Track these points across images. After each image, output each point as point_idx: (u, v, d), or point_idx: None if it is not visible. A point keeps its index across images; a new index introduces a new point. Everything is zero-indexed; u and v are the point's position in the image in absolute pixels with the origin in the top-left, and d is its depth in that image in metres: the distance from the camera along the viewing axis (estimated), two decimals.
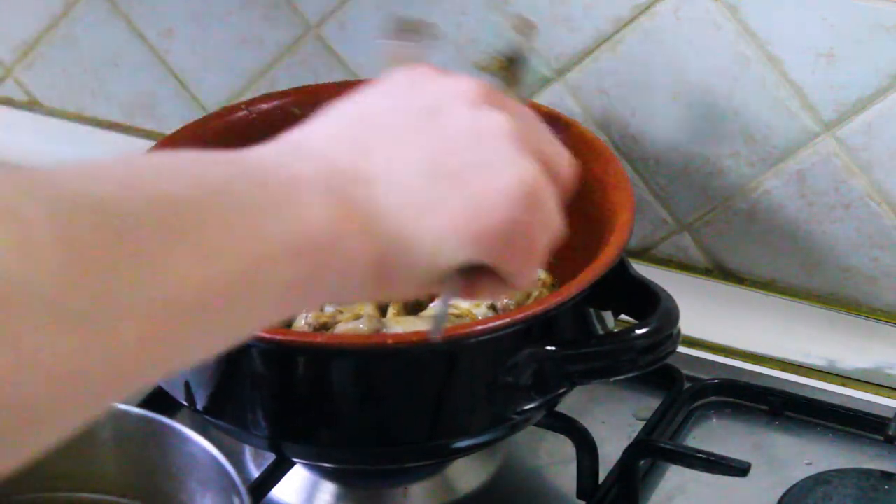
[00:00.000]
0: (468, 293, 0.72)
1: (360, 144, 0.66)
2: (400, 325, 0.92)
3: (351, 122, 0.68)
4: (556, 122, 1.05)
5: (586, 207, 1.01)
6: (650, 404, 1.09)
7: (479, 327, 0.89)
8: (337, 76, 1.27)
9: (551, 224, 0.70)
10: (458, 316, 0.94)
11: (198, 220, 0.56)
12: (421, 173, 0.66)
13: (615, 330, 0.95)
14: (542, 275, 0.99)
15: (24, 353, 0.49)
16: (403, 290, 0.67)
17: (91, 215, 0.52)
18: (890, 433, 1.05)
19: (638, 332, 0.89)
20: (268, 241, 0.58)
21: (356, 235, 0.63)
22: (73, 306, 0.50)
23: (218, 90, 1.33)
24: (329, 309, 0.95)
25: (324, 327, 0.93)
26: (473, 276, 0.70)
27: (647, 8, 1.15)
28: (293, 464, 1.00)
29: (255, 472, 1.01)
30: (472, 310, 0.94)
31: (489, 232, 0.67)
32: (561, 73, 1.20)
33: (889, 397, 1.12)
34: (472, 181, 0.67)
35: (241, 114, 1.08)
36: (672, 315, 0.90)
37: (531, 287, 0.85)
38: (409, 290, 0.67)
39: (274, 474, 0.99)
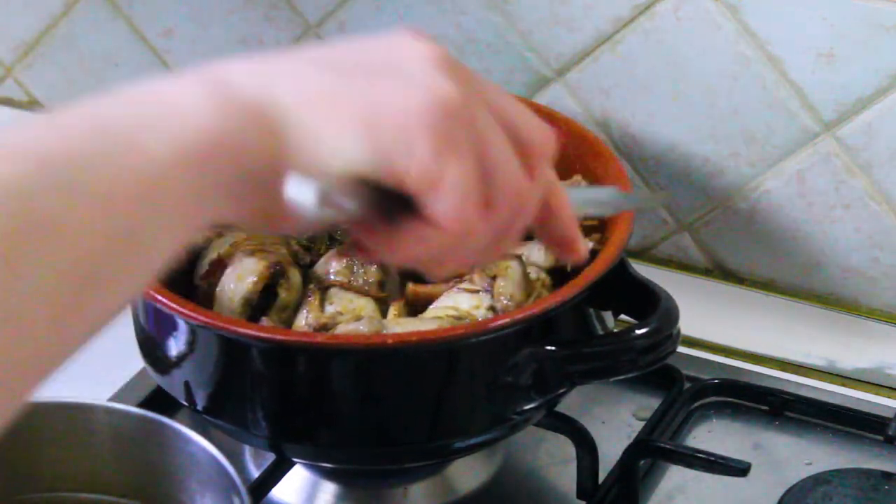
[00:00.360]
0: (386, 238, 0.66)
1: (263, 62, 0.63)
2: (400, 326, 0.92)
3: (267, 57, 0.64)
4: (553, 121, 1.06)
5: None
6: (650, 404, 1.09)
7: (480, 327, 0.89)
8: None
9: (487, 157, 0.66)
10: (458, 317, 0.94)
11: (91, 169, 0.54)
12: (319, 71, 0.63)
13: (615, 330, 0.95)
14: (542, 274, 0.99)
15: None
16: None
17: (5, 201, 0.51)
18: (890, 433, 1.05)
19: (638, 332, 0.89)
20: (156, 161, 0.56)
21: (248, 129, 0.60)
22: None
23: None
24: (330, 309, 0.95)
25: (324, 328, 0.93)
26: (392, 216, 0.65)
27: (647, 8, 1.15)
28: (293, 464, 1.00)
29: (255, 472, 1.01)
30: (472, 311, 0.94)
31: (382, 131, 0.62)
32: (561, 73, 1.20)
33: (889, 397, 1.12)
34: (378, 86, 0.63)
35: None
36: (672, 315, 0.90)
37: (457, 241, 0.67)
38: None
39: (274, 474, 0.99)
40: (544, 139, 0.70)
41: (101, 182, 0.54)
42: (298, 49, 0.65)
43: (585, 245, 0.77)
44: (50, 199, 0.52)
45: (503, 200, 0.67)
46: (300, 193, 0.60)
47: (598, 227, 0.98)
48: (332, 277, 0.98)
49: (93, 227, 0.53)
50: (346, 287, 0.97)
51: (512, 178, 0.67)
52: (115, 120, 0.57)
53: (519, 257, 0.98)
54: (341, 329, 0.92)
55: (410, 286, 0.98)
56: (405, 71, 0.64)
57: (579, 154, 1.03)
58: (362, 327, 0.90)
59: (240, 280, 0.95)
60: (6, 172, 0.52)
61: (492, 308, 0.95)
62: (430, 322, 0.93)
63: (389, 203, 0.65)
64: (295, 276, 0.97)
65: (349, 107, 0.62)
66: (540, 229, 0.74)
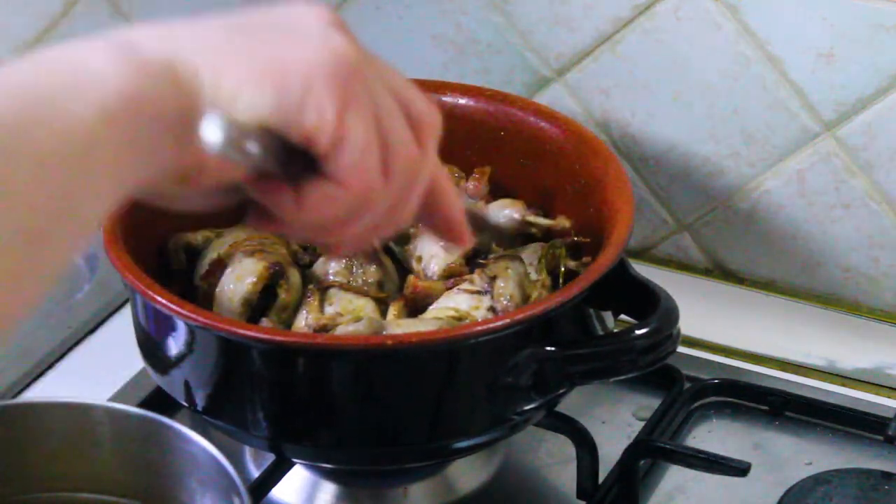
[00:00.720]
0: (290, 199, 0.68)
1: (166, 27, 0.67)
2: (400, 327, 0.92)
3: (169, 23, 0.68)
4: (553, 121, 1.06)
5: (586, 207, 1.01)
6: (650, 404, 1.09)
7: (480, 328, 0.89)
8: None
9: (384, 123, 0.68)
10: (458, 318, 0.94)
11: (22, 133, 0.56)
12: (221, 30, 0.66)
13: (615, 330, 0.95)
14: (542, 275, 0.99)
15: None
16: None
17: None
18: (890, 433, 1.05)
19: (638, 332, 0.89)
20: (82, 122, 0.58)
21: (153, 82, 0.62)
22: None
23: None
24: (329, 310, 0.95)
25: (324, 329, 0.93)
26: (295, 177, 0.68)
27: (647, 8, 1.15)
28: (293, 464, 1.00)
29: (255, 472, 1.01)
30: (472, 312, 0.94)
31: (289, 82, 0.65)
32: (561, 73, 1.20)
33: (889, 397, 1.12)
34: (279, 42, 0.67)
35: None
36: (672, 315, 0.90)
37: (362, 202, 0.70)
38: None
39: (274, 474, 0.99)
40: (433, 117, 0.73)
41: (34, 146, 0.56)
42: (199, 17, 0.68)
43: (470, 232, 0.80)
44: None
45: (398, 166, 0.70)
46: (209, 132, 0.63)
47: (586, 248, 0.99)
48: (332, 278, 0.98)
49: (33, 188, 0.56)
50: (346, 287, 0.97)
51: (405, 146, 0.70)
52: (36, 86, 0.59)
53: (519, 258, 0.98)
54: (341, 330, 0.92)
55: (411, 278, 0.98)
56: (303, 30, 0.68)
57: (579, 154, 1.03)
58: (362, 328, 0.90)
59: (239, 281, 0.96)
60: None
61: (492, 309, 0.95)
62: (430, 323, 0.93)
63: (292, 163, 0.67)
64: (294, 276, 0.97)
65: (253, 60, 0.66)
66: (427, 212, 0.76)
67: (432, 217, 0.77)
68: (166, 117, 0.62)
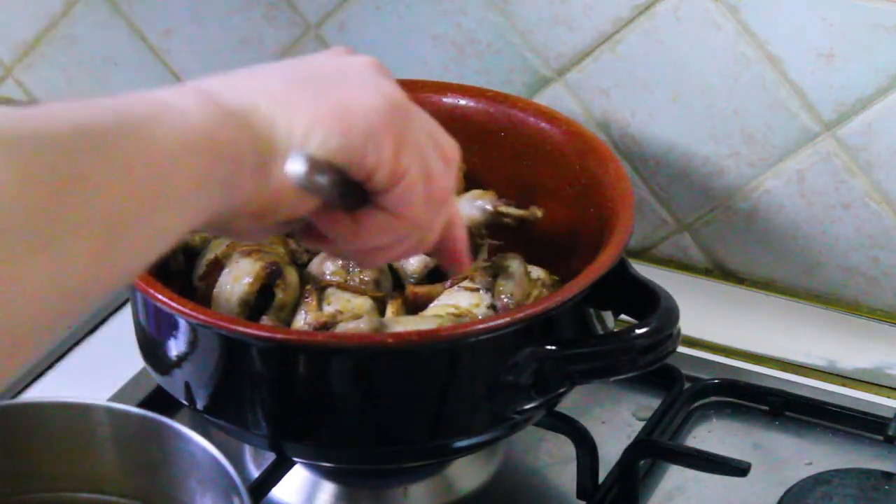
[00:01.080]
0: (348, 227, 0.77)
1: (233, 79, 0.74)
2: (400, 325, 0.92)
3: (234, 75, 0.75)
4: (553, 121, 1.06)
5: (586, 207, 1.01)
6: (650, 404, 1.09)
7: (480, 326, 0.89)
8: None
9: (426, 159, 0.77)
10: (458, 316, 0.94)
11: (115, 139, 0.63)
12: (287, 81, 0.74)
13: (615, 330, 0.95)
14: (542, 274, 0.99)
15: (3, 281, 0.56)
16: (288, 185, 0.72)
17: (41, 150, 0.59)
18: (890, 433, 1.05)
19: (638, 331, 0.89)
20: (165, 144, 0.65)
21: (233, 127, 0.69)
22: (35, 234, 0.57)
23: None
24: (328, 309, 0.95)
25: (324, 327, 0.93)
26: (351, 207, 0.76)
27: (647, 8, 1.15)
28: (293, 464, 1.00)
29: (255, 472, 1.01)
30: (472, 309, 0.94)
31: (353, 125, 0.73)
32: (561, 73, 1.20)
33: (889, 397, 1.12)
34: (338, 89, 0.75)
35: None
36: (672, 315, 0.90)
37: (415, 228, 0.79)
38: (291, 186, 0.72)
39: (274, 474, 0.99)
40: (455, 150, 0.81)
41: (123, 152, 0.63)
42: (254, 69, 0.76)
43: (470, 258, 0.88)
44: (83, 158, 0.61)
45: (435, 193, 0.78)
46: (294, 166, 0.71)
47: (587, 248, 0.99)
48: (328, 277, 0.98)
49: (118, 187, 0.62)
50: (343, 287, 0.97)
51: (442, 177, 0.79)
52: (128, 109, 0.65)
53: (520, 256, 0.98)
54: (342, 328, 0.92)
55: (410, 287, 0.98)
56: (356, 79, 0.77)
57: (579, 154, 1.03)
58: (363, 325, 0.91)
59: (236, 281, 0.96)
60: (45, 131, 0.60)
61: (492, 307, 0.95)
62: (430, 320, 0.93)
63: (350, 195, 0.75)
64: (292, 275, 0.97)
65: (319, 106, 0.73)
66: (439, 239, 0.83)
67: (441, 244, 0.84)
68: (243, 157, 0.70)
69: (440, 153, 0.79)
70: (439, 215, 0.80)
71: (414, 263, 1.01)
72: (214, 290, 0.97)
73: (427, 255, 0.90)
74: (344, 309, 0.95)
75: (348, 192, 0.75)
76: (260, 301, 0.96)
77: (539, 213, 1.03)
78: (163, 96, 0.68)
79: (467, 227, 0.96)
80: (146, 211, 0.63)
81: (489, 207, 1.02)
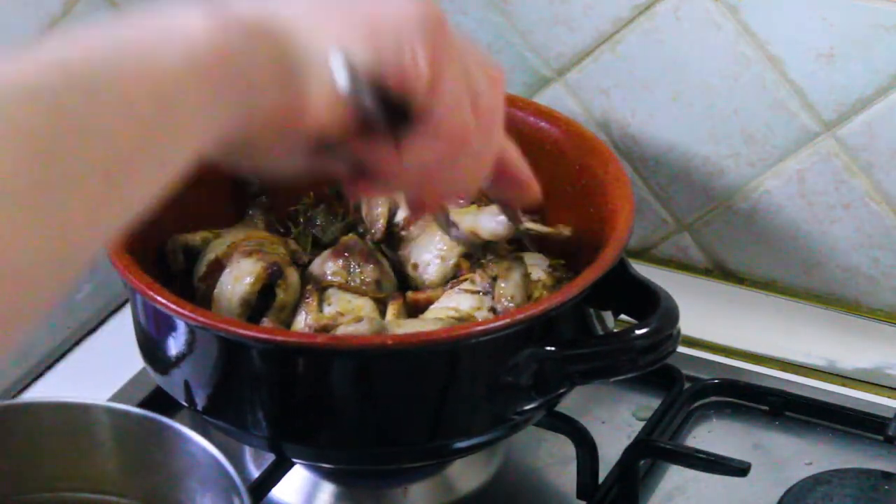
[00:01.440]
0: (388, 152, 0.71)
1: None
2: (401, 327, 0.92)
3: None
4: (553, 121, 1.06)
5: (586, 207, 1.01)
6: (650, 404, 1.09)
7: (480, 327, 0.89)
8: None
9: (469, 74, 0.72)
10: (458, 318, 0.94)
11: (110, 80, 0.59)
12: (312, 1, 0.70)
13: (615, 330, 0.95)
14: (543, 276, 0.99)
15: (4, 239, 0.54)
16: (316, 97, 0.68)
17: (33, 104, 0.56)
18: (890, 433, 1.05)
19: (638, 332, 0.89)
20: (168, 74, 0.61)
21: (247, 37, 0.65)
22: (33, 193, 0.55)
23: None
24: (329, 310, 0.95)
25: (325, 329, 0.93)
26: (392, 129, 0.71)
27: (647, 8, 1.15)
28: (293, 464, 1.00)
29: (255, 472, 1.01)
30: (473, 312, 0.94)
31: (384, 34, 0.69)
32: (561, 73, 1.20)
33: (889, 397, 1.12)
34: (366, 3, 0.70)
35: None
36: (672, 315, 0.90)
37: (451, 138, 0.74)
38: (320, 98, 0.68)
39: (274, 474, 0.99)
40: (501, 71, 0.76)
41: (121, 88, 0.59)
42: None
43: (537, 184, 0.83)
44: (76, 101, 0.57)
45: (484, 111, 0.74)
46: (336, 68, 0.67)
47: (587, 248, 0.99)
48: (329, 278, 0.98)
49: (116, 128, 0.59)
50: (344, 287, 0.97)
51: (488, 94, 0.74)
52: (128, 38, 0.62)
53: (521, 258, 0.98)
54: (342, 330, 0.92)
55: (410, 294, 0.98)
56: None
57: (579, 154, 1.03)
58: (363, 328, 0.90)
59: (237, 281, 0.96)
60: (34, 78, 0.57)
61: (492, 310, 0.95)
62: (431, 323, 0.93)
63: (389, 117, 0.70)
64: (292, 276, 0.97)
65: (345, 17, 0.69)
66: (496, 171, 0.79)
67: (500, 174, 0.80)
68: (261, 66, 0.65)
69: (484, 71, 0.75)
70: (491, 137, 0.75)
71: (432, 274, 1.00)
72: (215, 291, 0.97)
73: (488, 194, 0.84)
74: (344, 310, 0.95)
75: (389, 109, 0.70)
76: (261, 301, 0.96)
77: (567, 231, 0.99)
78: (165, 16, 0.64)
79: (480, 243, 0.94)
80: (148, 147, 0.60)
81: (514, 223, 0.98)
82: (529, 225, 1.00)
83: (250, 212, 1.05)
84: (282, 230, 1.05)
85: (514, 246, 1.00)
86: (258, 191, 1.06)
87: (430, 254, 0.99)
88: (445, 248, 0.99)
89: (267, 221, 1.05)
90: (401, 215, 1.02)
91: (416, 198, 0.81)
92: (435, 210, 0.88)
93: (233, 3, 0.66)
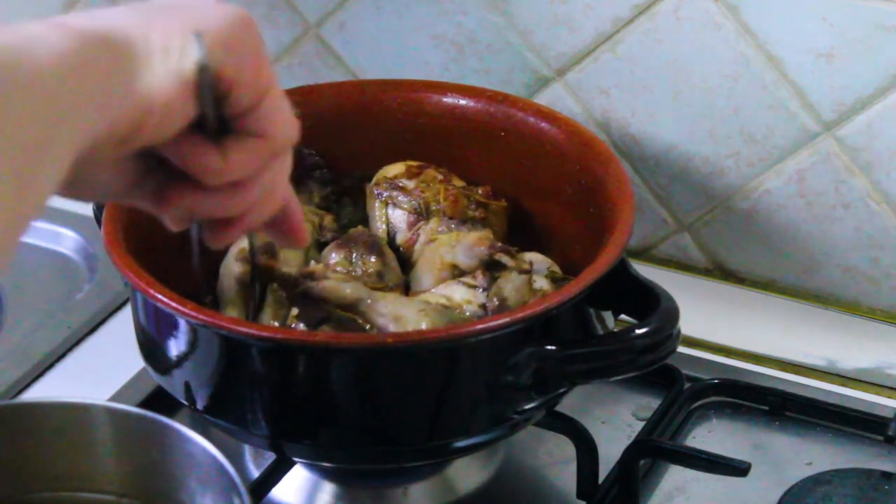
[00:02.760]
0: (213, 153, 0.72)
1: (89, 12, 0.72)
2: (384, 302, 0.92)
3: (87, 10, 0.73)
4: (553, 121, 1.06)
5: (586, 207, 1.01)
6: (650, 404, 1.09)
7: (480, 326, 0.89)
8: (337, 76, 1.27)
9: (266, 69, 0.74)
10: (447, 307, 0.94)
11: (8, 69, 0.62)
12: (138, 10, 0.72)
13: (615, 330, 0.95)
14: (546, 285, 0.99)
15: None
16: (158, 90, 0.69)
17: None
18: (890, 433, 1.05)
19: (638, 332, 0.89)
20: (46, 71, 0.64)
21: (93, 47, 0.67)
22: None
23: None
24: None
25: (310, 276, 0.93)
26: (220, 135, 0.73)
27: (647, 8, 1.15)
28: (293, 464, 1.00)
29: (255, 472, 1.01)
30: (463, 304, 0.95)
31: (212, 29, 0.71)
32: (561, 73, 1.20)
33: (889, 397, 1.12)
34: (190, 10, 0.72)
35: None
36: (672, 315, 0.90)
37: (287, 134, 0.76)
38: (164, 90, 0.69)
39: (274, 474, 0.99)
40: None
41: (20, 78, 0.62)
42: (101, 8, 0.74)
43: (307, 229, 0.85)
44: None
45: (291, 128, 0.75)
46: (193, 50, 0.69)
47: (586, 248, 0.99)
48: (333, 264, 0.99)
49: (25, 114, 0.62)
50: (347, 279, 0.97)
51: (289, 111, 0.75)
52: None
53: (528, 269, 0.98)
54: (328, 283, 0.92)
55: (411, 294, 0.98)
56: (202, 3, 0.74)
57: (579, 154, 1.03)
58: (348, 290, 0.91)
59: (234, 259, 0.97)
60: None
61: (482, 306, 0.95)
62: (416, 304, 0.93)
63: (219, 116, 0.72)
64: (289, 253, 0.99)
65: (171, 21, 0.71)
66: (277, 216, 0.80)
67: (281, 213, 0.80)
68: (106, 74, 0.67)
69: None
70: (287, 154, 0.77)
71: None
72: (220, 268, 0.98)
73: (265, 229, 0.83)
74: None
75: (219, 108, 0.72)
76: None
77: (526, 265, 0.98)
78: (21, 29, 0.66)
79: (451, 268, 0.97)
80: (52, 135, 0.63)
81: (485, 254, 0.99)
82: (499, 257, 0.99)
83: (307, 184, 1.06)
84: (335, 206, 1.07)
85: (518, 247, 1.01)
86: (314, 164, 1.07)
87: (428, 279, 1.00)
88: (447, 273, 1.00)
89: (323, 195, 1.06)
90: (400, 238, 1.03)
91: (227, 211, 0.78)
92: (243, 229, 0.83)
93: (71, 20, 0.69)
